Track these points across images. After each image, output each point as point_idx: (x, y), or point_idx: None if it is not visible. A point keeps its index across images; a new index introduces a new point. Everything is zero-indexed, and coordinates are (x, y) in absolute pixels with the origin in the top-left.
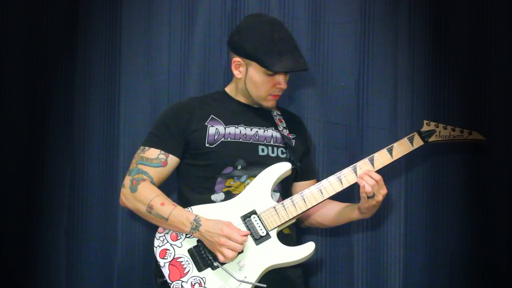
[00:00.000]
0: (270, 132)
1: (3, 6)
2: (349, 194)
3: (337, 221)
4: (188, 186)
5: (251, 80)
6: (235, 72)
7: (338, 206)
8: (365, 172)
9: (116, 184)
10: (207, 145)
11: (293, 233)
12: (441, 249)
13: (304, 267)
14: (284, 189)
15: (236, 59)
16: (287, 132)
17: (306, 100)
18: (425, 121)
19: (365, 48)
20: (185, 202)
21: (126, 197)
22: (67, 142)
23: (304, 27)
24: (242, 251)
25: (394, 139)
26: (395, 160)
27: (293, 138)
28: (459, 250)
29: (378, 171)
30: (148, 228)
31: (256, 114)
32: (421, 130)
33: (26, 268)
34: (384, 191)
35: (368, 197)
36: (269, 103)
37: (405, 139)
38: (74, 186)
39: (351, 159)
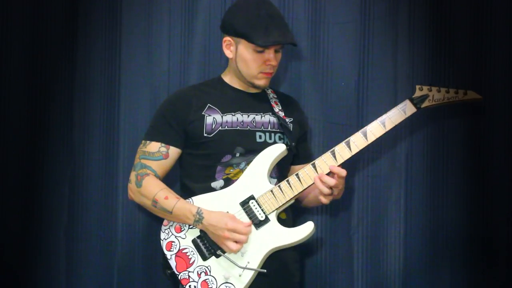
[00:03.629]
0: (267, 117)
1: (3, 6)
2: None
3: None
4: (189, 175)
5: (241, 58)
6: (226, 52)
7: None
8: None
9: (116, 184)
10: (205, 134)
11: (289, 218)
12: (441, 250)
13: (303, 266)
14: (281, 174)
15: (226, 38)
16: (283, 114)
17: (306, 100)
18: (417, 86)
19: (365, 48)
20: (187, 191)
21: (133, 192)
22: (67, 142)
23: (304, 27)
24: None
25: (393, 138)
26: (388, 131)
27: (290, 122)
28: (459, 251)
29: (371, 144)
30: (148, 228)
31: (253, 100)
32: (413, 96)
33: (26, 268)
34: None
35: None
36: (261, 81)
37: (397, 107)
38: (74, 186)
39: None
